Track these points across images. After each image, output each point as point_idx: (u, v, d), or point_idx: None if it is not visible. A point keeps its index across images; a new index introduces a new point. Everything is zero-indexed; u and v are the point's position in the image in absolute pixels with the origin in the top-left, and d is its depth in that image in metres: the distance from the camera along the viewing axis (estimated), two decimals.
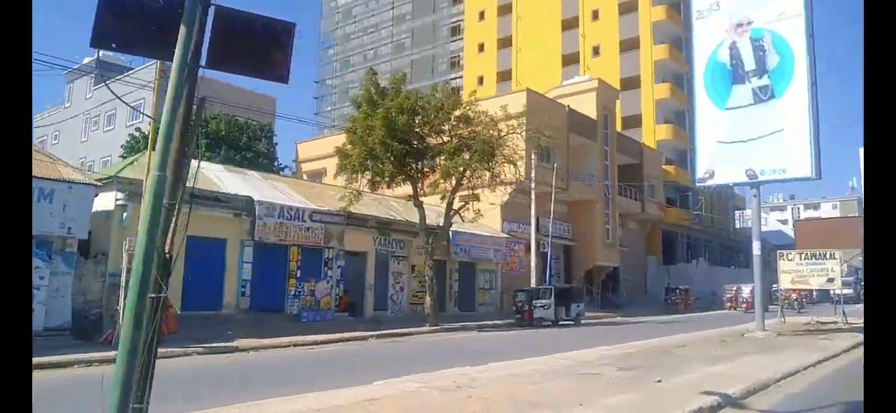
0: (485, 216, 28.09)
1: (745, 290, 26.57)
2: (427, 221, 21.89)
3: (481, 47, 56.04)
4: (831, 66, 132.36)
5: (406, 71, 62.19)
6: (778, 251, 20.42)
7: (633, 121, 45.70)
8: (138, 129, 30.98)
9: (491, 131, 21.30)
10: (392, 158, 19.94)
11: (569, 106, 32.83)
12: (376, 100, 20.49)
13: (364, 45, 68.08)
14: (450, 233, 25.09)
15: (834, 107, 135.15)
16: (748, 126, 17.33)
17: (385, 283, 23.25)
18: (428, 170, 21.39)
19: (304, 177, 37.16)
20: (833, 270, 17.99)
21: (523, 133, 23.43)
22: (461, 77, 57.58)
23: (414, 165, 20.93)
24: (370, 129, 19.72)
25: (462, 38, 58.61)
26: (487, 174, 21.81)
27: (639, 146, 40.11)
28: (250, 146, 30.47)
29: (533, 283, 27.36)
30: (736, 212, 57.75)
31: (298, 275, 20.44)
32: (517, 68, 52.63)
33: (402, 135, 20.06)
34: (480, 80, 54.63)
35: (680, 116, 47.46)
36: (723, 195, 51.72)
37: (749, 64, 17.57)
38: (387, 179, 20.32)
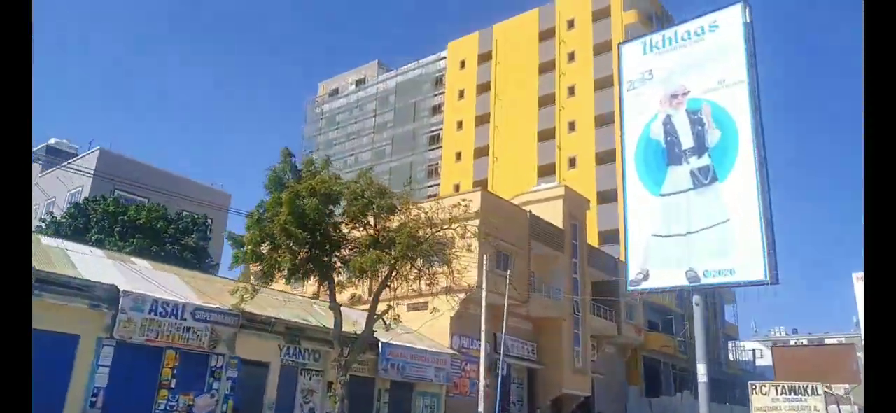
0: (424, 326, 24.58)
1: None
2: (346, 328, 18.50)
3: (459, 156, 54.87)
4: (824, 166, 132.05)
5: (386, 177, 61.02)
6: (749, 384, 16.85)
7: (611, 236, 43.07)
8: (50, 213, 28.20)
9: (426, 229, 18.40)
10: (294, 248, 16.87)
11: (531, 211, 30.25)
12: (289, 184, 17.79)
13: (345, 151, 67.28)
14: (379, 345, 21.52)
15: (830, 221, 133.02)
16: (688, 216, 14.44)
17: (291, 401, 19.30)
18: (342, 266, 18.19)
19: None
20: (816, 409, 14.34)
21: (467, 234, 20.46)
22: (438, 185, 55.96)
23: (326, 259, 17.78)
24: (276, 214, 16.86)
25: (440, 147, 57.63)
26: (414, 274, 18.70)
27: (614, 261, 37.10)
28: (177, 239, 27.47)
29: (481, 411, 23.32)
30: (729, 343, 53.77)
31: (173, 385, 16.63)
32: (493, 177, 50.99)
33: (312, 222, 17.16)
34: (456, 188, 52.83)
35: None
36: (712, 321, 47.99)
37: (686, 141, 15.00)
38: (285, 273, 17.09)
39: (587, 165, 46.35)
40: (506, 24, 56.31)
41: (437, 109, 60.23)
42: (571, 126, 48.52)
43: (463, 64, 58.37)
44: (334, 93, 72.49)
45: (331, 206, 17.88)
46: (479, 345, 26.47)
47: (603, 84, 47.76)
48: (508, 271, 25.35)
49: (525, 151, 49.98)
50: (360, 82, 70.13)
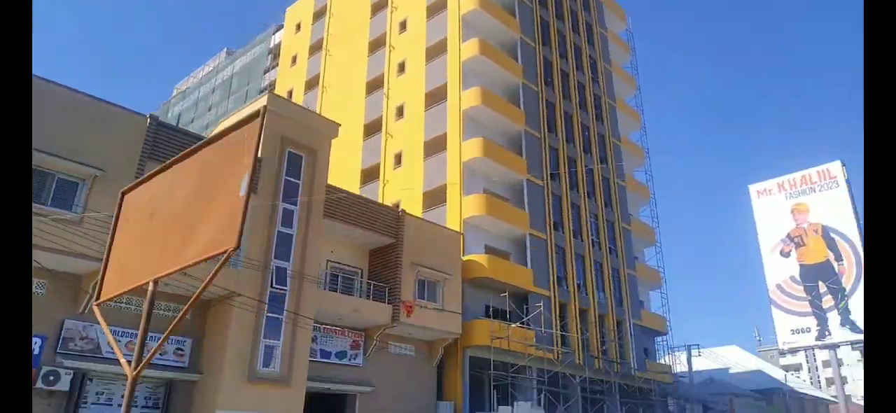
0: None
1: None
2: None
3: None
4: None
5: None
6: None
7: (439, 194, 30.92)
8: None
9: None
10: None
11: (153, 119, 18.27)
12: None
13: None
14: None
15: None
16: None
17: None
18: None
19: None
20: None
21: None
22: None
23: None
24: None
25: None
26: None
27: (393, 214, 24.80)
28: None
29: None
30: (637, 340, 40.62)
31: None
32: None
33: None
34: None
35: (514, 187, 32.62)
36: (614, 310, 35.29)
37: None
38: None
39: (416, 111, 34.52)
40: None
41: (272, 86, 49.08)
42: (401, 67, 36.94)
43: (299, 27, 47.54)
44: (186, 93, 61.72)
45: None
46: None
47: (437, 8, 36.45)
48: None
49: (354, 108, 38.40)
50: (208, 75, 59.39)
